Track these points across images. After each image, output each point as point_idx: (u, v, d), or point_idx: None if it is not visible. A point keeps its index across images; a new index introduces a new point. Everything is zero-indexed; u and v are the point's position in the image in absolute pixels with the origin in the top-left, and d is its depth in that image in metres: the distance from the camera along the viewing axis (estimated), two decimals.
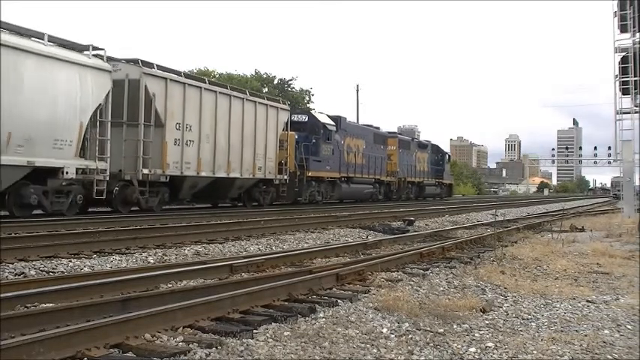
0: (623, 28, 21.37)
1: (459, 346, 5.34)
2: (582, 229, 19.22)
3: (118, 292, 6.82)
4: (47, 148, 16.08)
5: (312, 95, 66.07)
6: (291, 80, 64.92)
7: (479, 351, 5.24)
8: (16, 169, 15.32)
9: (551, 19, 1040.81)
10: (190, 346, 4.91)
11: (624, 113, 21.78)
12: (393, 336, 5.62)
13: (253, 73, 63.33)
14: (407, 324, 6.02)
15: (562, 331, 6.08)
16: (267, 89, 57.77)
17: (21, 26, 15.90)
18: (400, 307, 6.57)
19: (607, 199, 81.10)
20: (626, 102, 21.60)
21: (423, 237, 15.32)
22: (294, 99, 48.35)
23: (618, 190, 43.94)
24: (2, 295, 5.91)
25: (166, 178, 20.40)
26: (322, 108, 41.54)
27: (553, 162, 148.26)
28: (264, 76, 63.73)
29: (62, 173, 16.57)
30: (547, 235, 16.66)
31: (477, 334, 5.80)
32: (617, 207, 34.82)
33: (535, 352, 5.25)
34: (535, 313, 6.89)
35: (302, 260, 10.38)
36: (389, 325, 6.00)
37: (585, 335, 5.87)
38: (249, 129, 24.79)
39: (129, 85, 19.30)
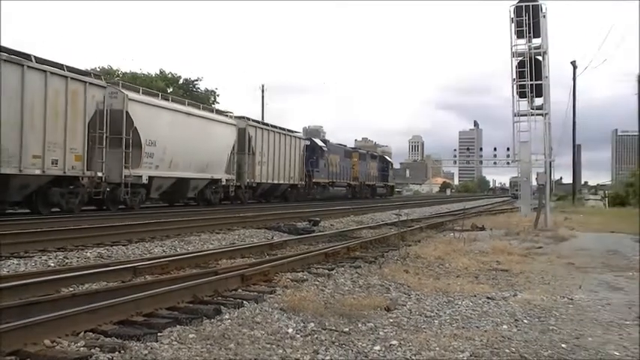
0: (520, 34, 22.02)
1: (364, 345, 5.39)
2: (483, 228, 19.80)
3: (17, 297, 6.54)
4: (216, 168, 30.20)
5: (218, 96, 65.70)
6: (196, 81, 64.24)
7: (383, 349, 5.30)
8: (205, 180, 29.41)
9: (461, 22, 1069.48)
10: (92, 351, 4.78)
11: (521, 115, 22.44)
12: (298, 336, 5.62)
13: (158, 73, 62.20)
14: (312, 324, 6.04)
15: (463, 327, 6.24)
16: (172, 89, 56.75)
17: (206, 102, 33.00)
18: (306, 307, 6.59)
19: (506, 198, 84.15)
20: (523, 104, 22.25)
21: (328, 237, 15.40)
22: (199, 99, 47.61)
23: (516, 190, 45.62)
24: None
25: (255, 184, 34.63)
26: (228, 108, 42.58)
27: (455, 162, 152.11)
28: (169, 76, 62.69)
29: (221, 181, 30.81)
30: (449, 234, 17.08)
31: (381, 333, 5.87)
32: (515, 206, 36.15)
33: (438, 348, 5.36)
34: (438, 310, 7.04)
35: (207, 262, 10.27)
36: (294, 325, 6.00)
37: (485, 331, 6.04)
38: (288, 153, 39.30)
39: (239, 132, 32.73)
